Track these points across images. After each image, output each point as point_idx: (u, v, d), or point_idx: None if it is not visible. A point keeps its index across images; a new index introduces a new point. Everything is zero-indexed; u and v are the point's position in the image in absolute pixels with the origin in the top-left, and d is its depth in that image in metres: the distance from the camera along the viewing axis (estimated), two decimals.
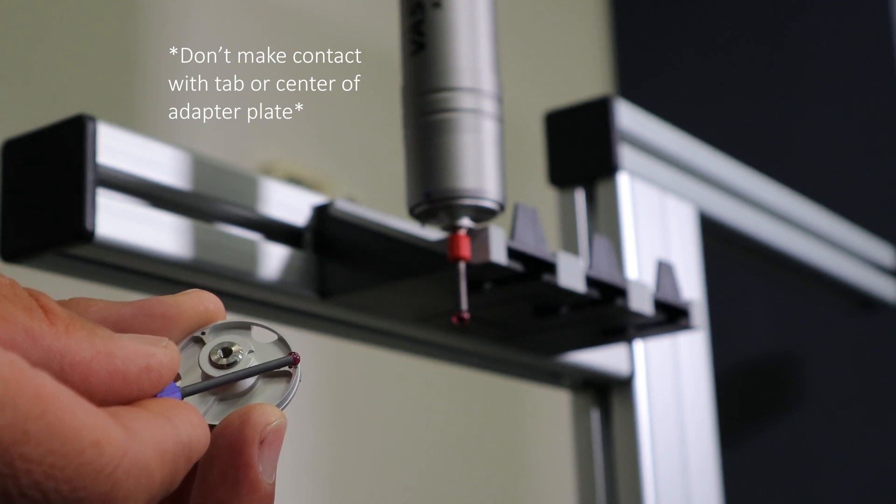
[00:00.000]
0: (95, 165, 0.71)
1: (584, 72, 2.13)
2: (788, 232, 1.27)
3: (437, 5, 0.76)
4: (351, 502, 1.59)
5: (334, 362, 1.55)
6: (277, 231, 0.83)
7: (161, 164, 0.76)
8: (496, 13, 0.79)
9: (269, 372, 0.41)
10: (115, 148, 0.73)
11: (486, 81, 0.77)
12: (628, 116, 1.03)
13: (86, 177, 0.71)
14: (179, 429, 0.36)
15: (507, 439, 1.84)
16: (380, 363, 1.55)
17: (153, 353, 0.37)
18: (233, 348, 0.41)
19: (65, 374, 0.34)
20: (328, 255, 0.83)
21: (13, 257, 0.73)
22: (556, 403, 1.63)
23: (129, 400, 0.36)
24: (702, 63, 2.05)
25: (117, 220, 0.72)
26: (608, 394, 1.02)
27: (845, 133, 1.89)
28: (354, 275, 0.82)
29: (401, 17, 0.78)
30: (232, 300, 0.82)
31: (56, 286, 0.73)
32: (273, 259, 0.80)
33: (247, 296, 0.82)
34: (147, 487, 0.34)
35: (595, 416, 1.02)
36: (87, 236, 0.70)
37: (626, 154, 1.02)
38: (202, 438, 0.37)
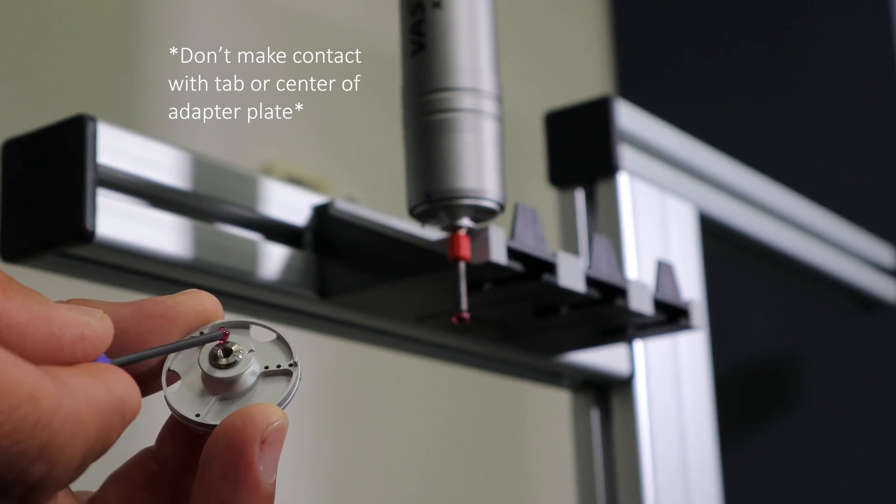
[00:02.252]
0: (95, 165, 0.71)
1: (584, 72, 2.13)
2: (788, 232, 1.27)
3: (437, 5, 0.76)
4: (351, 502, 1.59)
5: (334, 362, 1.55)
6: (277, 231, 0.83)
7: (161, 164, 0.76)
8: (496, 13, 0.79)
9: (268, 372, 0.41)
10: (115, 148, 0.73)
11: (486, 81, 0.77)
12: (628, 116, 1.03)
13: (86, 177, 0.71)
14: (110, 386, 0.36)
15: (507, 439, 1.84)
16: (380, 363, 1.55)
17: (87, 322, 0.37)
18: (233, 348, 0.41)
19: (1, 336, 0.35)
20: (328, 255, 0.83)
21: (13, 257, 0.73)
22: (556, 403, 1.63)
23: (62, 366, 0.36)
24: (702, 63, 2.05)
25: (117, 220, 0.72)
26: (608, 394, 1.02)
27: (845, 133, 1.89)
28: (354, 275, 0.82)
29: (401, 17, 0.78)
30: (232, 300, 0.82)
31: (56, 286, 0.73)
32: (273, 259, 0.80)
33: (247, 296, 0.82)
34: (83, 439, 0.35)
35: (595, 416, 1.02)
36: (87, 236, 0.70)
37: (626, 154, 1.02)
38: (134, 399, 0.37)
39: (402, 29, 0.78)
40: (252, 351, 0.41)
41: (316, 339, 0.99)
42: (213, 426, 0.39)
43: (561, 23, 2.13)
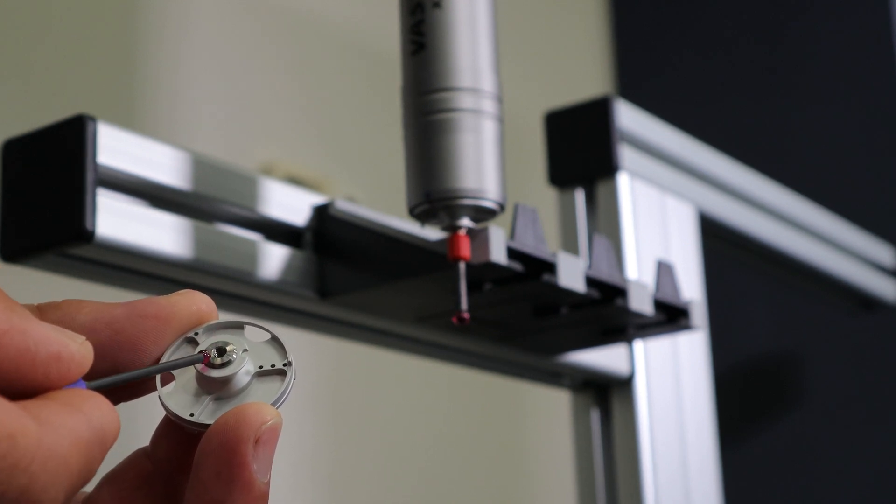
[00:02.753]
0: (95, 165, 0.71)
1: (584, 72, 2.13)
2: (788, 232, 1.27)
3: (437, 5, 0.76)
4: (351, 502, 1.59)
5: (334, 362, 1.55)
6: (277, 231, 0.83)
7: (161, 164, 0.76)
8: (496, 13, 0.79)
9: (262, 371, 0.41)
10: (115, 148, 0.73)
11: (486, 81, 0.77)
12: (628, 116, 1.03)
13: (86, 177, 0.71)
14: (91, 416, 0.35)
15: (507, 439, 1.84)
16: (380, 363, 1.55)
17: (66, 344, 0.36)
18: (227, 348, 0.41)
19: None
20: (328, 255, 0.83)
21: (13, 257, 0.73)
22: (556, 403, 1.63)
23: (33, 386, 0.36)
24: (702, 63, 2.05)
25: (117, 220, 0.72)
26: (608, 394, 1.02)
27: (845, 133, 1.89)
28: (354, 275, 0.82)
29: (401, 17, 0.78)
30: (232, 300, 0.82)
31: (56, 286, 0.73)
32: (273, 259, 0.80)
33: (247, 296, 0.82)
34: (66, 477, 0.34)
35: (595, 416, 1.02)
36: (87, 236, 0.70)
37: (626, 154, 1.02)
38: (114, 425, 0.36)
39: (402, 29, 0.78)
40: (246, 351, 0.41)
41: (316, 339, 0.99)
42: (208, 425, 0.39)
43: (561, 23, 2.13)
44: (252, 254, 0.79)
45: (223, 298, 0.81)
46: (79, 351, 0.37)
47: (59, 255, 0.72)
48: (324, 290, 0.83)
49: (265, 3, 1.59)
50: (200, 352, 0.41)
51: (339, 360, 1.56)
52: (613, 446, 1.00)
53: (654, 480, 0.99)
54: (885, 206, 1.82)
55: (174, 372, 0.41)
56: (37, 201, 0.72)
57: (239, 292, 0.81)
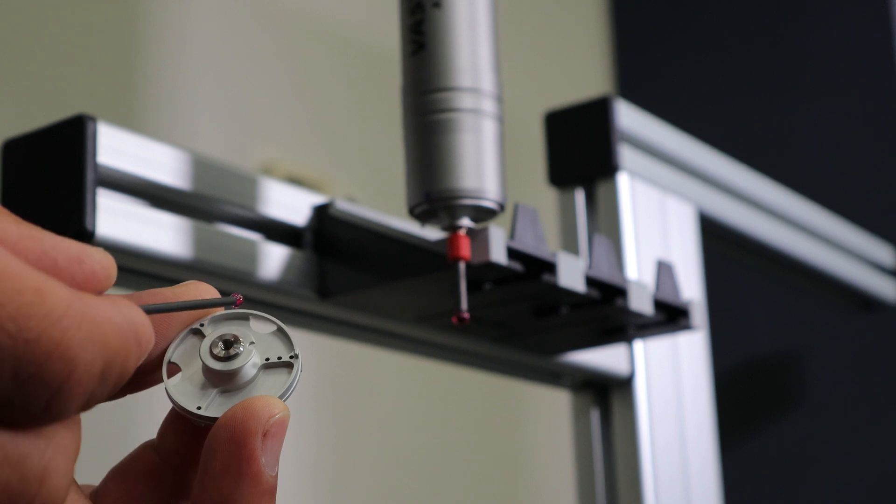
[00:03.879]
0: (95, 165, 0.71)
1: (584, 72, 2.13)
2: (788, 232, 1.27)
3: (437, 5, 0.76)
4: (351, 502, 1.59)
5: (334, 362, 1.55)
6: (277, 231, 0.83)
7: (161, 164, 0.76)
8: (496, 13, 0.79)
9: (269, 364, 0.41)
10: (115, 148, 0.73)
11: (486, 81, 0.77)
12: (628, 116, 1.03)
13: (86, 177, 0.71)
14: (123, 310, 0.35)
15: (507, 439, 1.84)
16: (380, 363, 1.55)
17: (84, 249, 0.35)
18: (234, 340, 0.41)
19: None
20: (328, 255, 0.83)
21: None
22: (556, 403, 1.63)
23: None
24: (702, 63, 2.05)
25: (117, 220, 0.72)
26: (608, 394, 1.02)
27: (845, 133, 1.89)
28: (354, 275, 0.82)
29: (401, 17, 0.78)
30: None
31: None
32: (273, 259, 0.80)
33: (247, 296, 0.82)
34: (102, 345, 0.33)
35: (595, 416, 1.02)
36: (88, 236, 0.70)
37: (626, 154, 1.02)
38: (148, 328, 0.35)
39: (402, 29, 0.78)
40: (253, 343, 0.41)
41: (316, 339, 0.99)
42: (215, 419, 0.39)
43: (561, 23, 2.13)
44: (252, 254, 0.80)
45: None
46: (101, 257, 0.36)
47: None
48: (324, 290, 0.83)
49: (265, 4, 1.59)
50: (233, 294, 0.41)
51: (339, 360, 1.56)
52: (613, 446, 1.00)
53: (654, 480, 0.99)
54: (885, 206, 1.82)
55: (181, 364, 0.41)
56: (37, 201, 0.72)
57: (239, 292, 0.81)
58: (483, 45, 0.77)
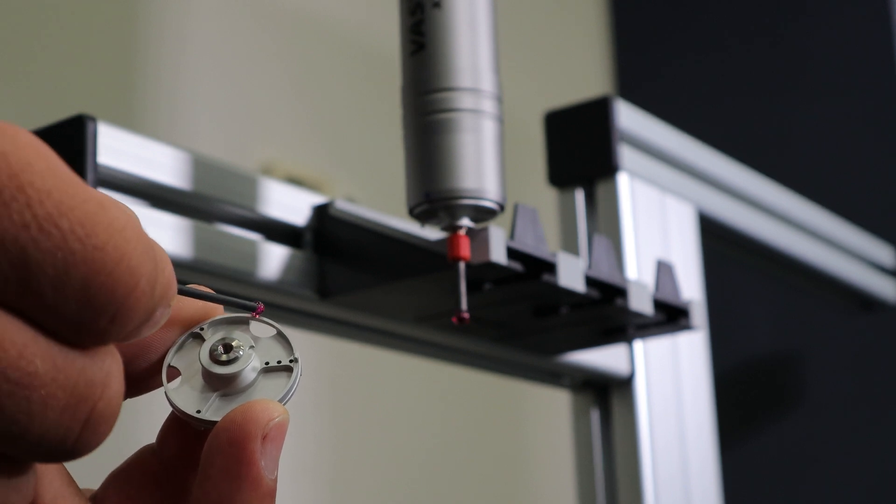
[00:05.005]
0: (95, 165, 0.71)
1: (584, 72, 2.13)
2: (788, 232, 1.27)
3: (437, 5, 0.76)
4: (351, 502, 1.59)
5: (334, 362, 1.55)
6: (277, 231, 0.83)
7: (161, 164, 0.76)
8: (496, 13, 0.79)
9: (268, 368, 0.41)
10: (115, 148, 0.73)
11: (486, 81, 0.77)
12: (628, 116, 1.03)
13: (86, 177, 0.71)
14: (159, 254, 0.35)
15: (507, 439, 1.84)
16: (380, 363, 1.55)
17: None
18: (233, 343, 0.41)
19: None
20: (328, 255, 0.83)
21: None
22: (556, 403, 1.63)
23: None
24: (702, 63, 2.05)
25: None
26: (608, 394, 1.02)
27: (845, 133, 1.89)
28: (354, 275, 0.82)
29: (401, 17, 0.78)
30: None
31: None
32: (273, 259, 0.80)
33: (247, 296, 0.82)
34: (154, 263, 0.33)
35: (595, 416, 1.02)
36: None
37: (625, 154, 1.02)
38: (174, 281, 0.35)
39: (402, 29, 0.78)
40: (252, 347, 0.41)
41: (316, 339, 0.99)
42: (215, 422, 0.39)
43: (561, 23, 2.13)
44: (252, 254, 0.80)
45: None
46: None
47: None
48: (324, 290, 0.83)
49: (265, 4, 1.59)
50: (254, 301, 0.41)
51: (339, 360, 1.56)
52: (613, 446, 1.00)
53: (654, 480, 0.99)
54: (885, 206, 1.82)
55: (180, 368, 0.41)
56: None
57: (239, 292, 0.81)
58: (483, 45, 0.77)
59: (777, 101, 1.96)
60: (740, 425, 1.89)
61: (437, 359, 1.00)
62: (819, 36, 1.94)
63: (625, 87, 2.10)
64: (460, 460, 1.75)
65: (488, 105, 0.76)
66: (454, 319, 0.74)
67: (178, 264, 0.76)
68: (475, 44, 0.77)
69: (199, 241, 0.76)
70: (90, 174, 0.71)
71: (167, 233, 0.75)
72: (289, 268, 0.81)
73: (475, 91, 0.76)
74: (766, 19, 2.00)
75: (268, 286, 0.81)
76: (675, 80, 2.06)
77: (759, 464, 1.87)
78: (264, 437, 0.38)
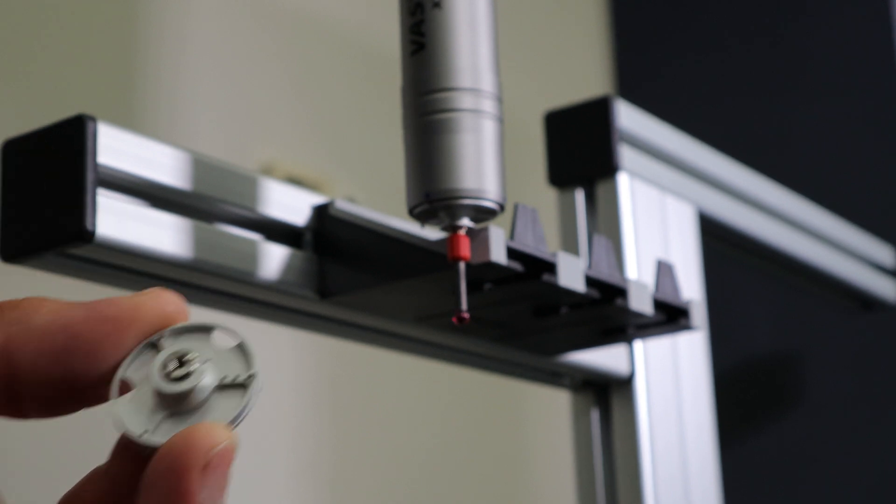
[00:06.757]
0: (95, 165, 0.71)
1: (584, 72, 2.13)
2: (788, 232, 1.27)
3: (437, 5, 0.76)
4: (351, 502, 1.59)
5: (334, 362, 1.55)
6: (277, 231, 0.83)
7: (161, 164, 0.76)
8: (496, 13, 0.79)
9: (223, 385, 0.38)
10: (115, 148, 0.73)
11: (486, 81, 0.77)
12: (628, 116, 1.03)
13: (86, 177, 0.71)
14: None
15: (507, 439, 1.84)
16: (380, 363, 1.55)
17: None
18: (187, 357, 0.37)
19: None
20: (328, 255, 0.83)
21: (13, 257, 0.73)
22: (556, 403, 1.63)
23: None
24: (702, 63, 2.04)
25: (117, 220, 0.72)
26: (608, 394, 1.02)
27: (845, 133, 1.89)
28: (354, 275, 0.82)
29: (401, 17, 0.78)
30: (232, 300, 0.82)
31: (56, 286, 0.73)
32: (273, 259, 0.80)
33: (247, 296, 0.82)
34: None
35: (595, 416, 1.02)
36: (87, 236, 0.70)
37: (625, 154, 1.02)
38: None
39: (402, 29, 0.78)
40: (209, 360, 0.37)
41: (316, 339, 0.99)
42: (157, 447, 0.36)
43: (561, 23, 2.13)
44: (252, 254, 0.79)
45: (223, 298, 0.81)
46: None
47: (59, 255, 0.72)
48: (324, 290, 0.83)
49: (265, 4, 1.59)
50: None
51: (339, 360, 1.56)
52: (613, 446, 1.00)
53: (654, 480, 0.99)
54: (885, 206, 1.82)
55: (135, 380, 0.37)
56: (37, 201, 0.72)
57: (239, 292, 0.81)
58: (483, 45, 0.77)
59: (777, 101, 1.96)
60: (740, 425, 1.89)
61: (437, 359, 1.00)
62: (819, 36, 1.94)
63: (625, 87, 2.10)
64: (460, 460, 1.75)
65: (488, 105, 0.76)
66: (454, 319, 0.74)
67: (179, 264, 0.76)
68: (475, 44, 0.76)
69: (199, 241, 0.76)
70: (90, 174, 0.71)
71: (167, 233, 0.75)
72: (289, 268, 0.81)
73: (475, 91, 0.76)
74: (766, 19, 2.00)
75: (268, 286, 0.81)
76: (675, 80, 2.06)
77: (759, 464, 1.87)
78: (206, 466, 0.35)
